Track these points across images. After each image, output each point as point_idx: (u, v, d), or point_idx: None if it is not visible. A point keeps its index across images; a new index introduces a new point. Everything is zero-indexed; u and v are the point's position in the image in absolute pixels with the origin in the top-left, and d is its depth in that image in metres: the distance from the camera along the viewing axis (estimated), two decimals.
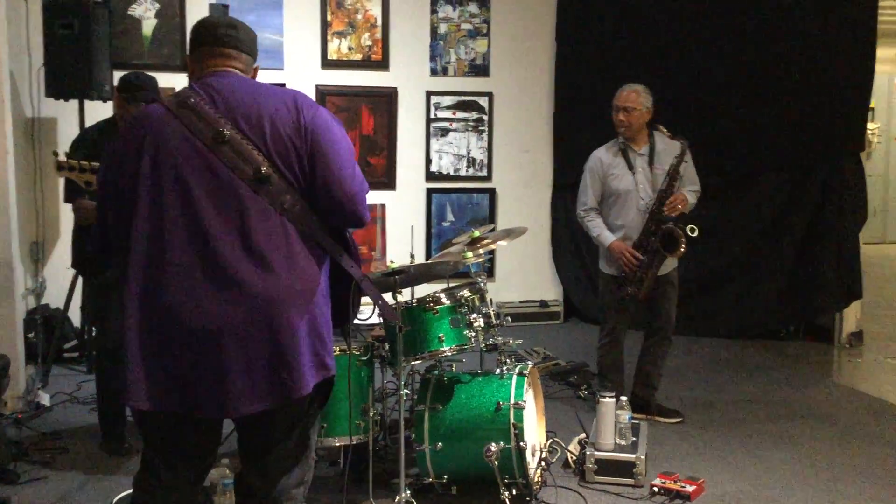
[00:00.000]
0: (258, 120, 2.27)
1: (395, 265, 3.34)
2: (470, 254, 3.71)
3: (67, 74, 5.26)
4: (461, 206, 7.03)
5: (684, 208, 4.43)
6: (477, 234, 3.94)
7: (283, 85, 6.50)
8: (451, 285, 4.16)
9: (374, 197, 6.82)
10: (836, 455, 4.16)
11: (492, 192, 7.08)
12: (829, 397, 5.15)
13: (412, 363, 3.55)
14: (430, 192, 6.97)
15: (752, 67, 6.43)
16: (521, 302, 7.08)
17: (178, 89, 2.44)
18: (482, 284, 3.76)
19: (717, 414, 4.79)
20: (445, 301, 3.53)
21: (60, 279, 5.77)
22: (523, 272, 7.20)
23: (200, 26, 2.45)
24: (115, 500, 3.49)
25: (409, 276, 3.44)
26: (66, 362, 5.66)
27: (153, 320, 2.21)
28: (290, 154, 2.28)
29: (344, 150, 2.38)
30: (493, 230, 4.13)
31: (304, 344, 2.25)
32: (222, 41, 2.40)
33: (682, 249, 4.36)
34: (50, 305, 5.97)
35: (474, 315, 3.60)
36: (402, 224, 6.78)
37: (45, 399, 4.82)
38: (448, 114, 6.94)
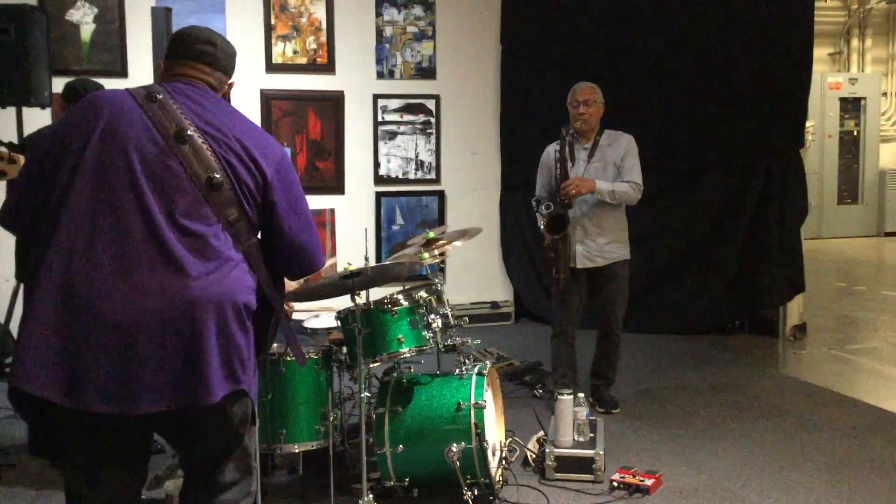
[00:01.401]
0: (222, 132, 2.25)
1: (351, 267, 3.32)
2: (427, 255, 3.70)
3: (4, 81, 5.09)
4: (410, 209, 7.02)
5: (580, 192, 4.50)
6: (432, 235, 3.93)
7: None
8: (407, 287, 4.15)
9: (323, 201, 6.78)
10: (787, 444, 4.25)
11: (441, 195, 7.09)
12: (776, 388, 5.26)
13: (371, 365, 3.53)
14: (378, 195, 6.94)
15: (694, 66, 6.55)
16: (472, 304, 7.10)
17: None
18: (439, 285, 3.76)
19: (670, 408, 4.85)
20: (403, 302, 3.51)
21: (1, 292, 5.61)
22: (474, 274, 7.21)
23: (178, 38, 2.43)
24: None
25: (367, 278, 3.41)
26: (8, 377, 5.49)
27: (68, 305, 2.10)
28: (246, 177, 2.26)
29: (304, 199, 2.44)
30: (445, 231, 4.13)
31: (216, 353, 2.18)
32: (198, 57, 2.38)
33: (554, 233, 4.52)
34: None
35: (432, 316, 3.60)
36: (351, 228, 6.75)
37: None
38: (395, 117, 6.93)
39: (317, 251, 2.47)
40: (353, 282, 3.32)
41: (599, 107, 4.66)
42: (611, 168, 4.62)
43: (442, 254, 3.89)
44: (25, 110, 5.20)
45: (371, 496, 3.33)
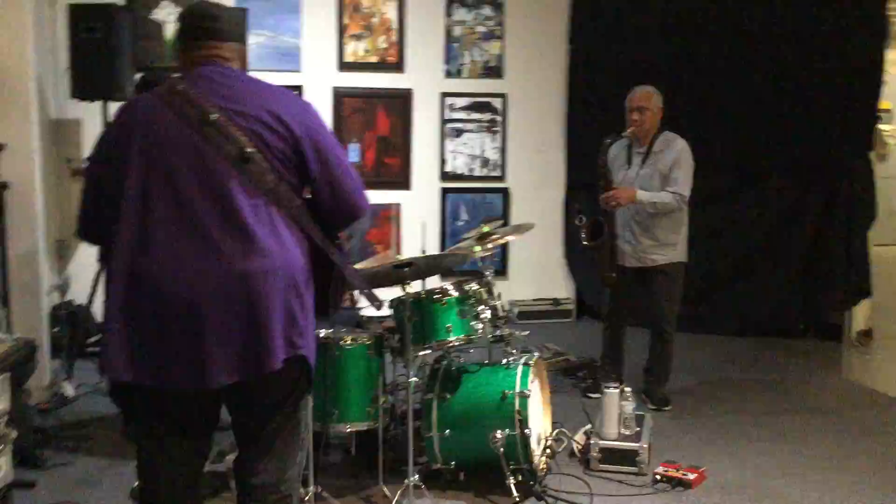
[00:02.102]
0: (243, 105, 2.35)
1: (403, 257, 3.47)
2: (478, 248, 3.83)
3: (91, 77, 5.40)
4: (475, 206, 7.15)
5: (619, 204, 4.62)
6: (486, 229, 4.05)
7: (301, 87, 6.67)
8: (459, 279, 4.28)
9: (389, 196, 6.97)
10: (837, 447, 4.25)
11: (505, 192, 7.20)
12: (835, 392, 5.22)
13: (421, 353, 3.67)
14: (444, 191, 7.10)
15: (763, 68, 6.51)
16: (533, 300, 7.19)
17: None
18: (490, 278, 3.88)
19: (721, 407, 4.88)
20: (453, 293, 3.65)
21: (84, 275, 5.92)
22: (536, 271, 7.31)
23: (183, 18, 2.51)
24: (135, 484, 3.63)
25: (419, 268, 3.56)
26: (90, 356, 5.82)
27: (137, 293, 2.27)
28: (276, 141, 2.35)
29: (337, 142, 2.52)
30: (502, 225, 4.25)
31: (276, 321, 2.31)
32: (206, 34, 2.45)
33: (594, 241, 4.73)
34: (74, 301, 6.13)
35: (482, 307, 3.73)
36: (417, 223, 6.91)
37: (69, 390, 4.99)
38: (462, 115, 7.07)
39: (357, 197, 2.52)
40: (404, 271, 3.47)
41: (655, 112, 4.73)
42: (657, 176, 4.68)
43: (496, 248, 4.02)
44: (110, 104, 5.52)
45: (417, 477, 3.49)
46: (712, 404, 4.93)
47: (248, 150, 2.31)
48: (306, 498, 3.30)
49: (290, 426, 2.53)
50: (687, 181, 4.68)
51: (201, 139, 2.31)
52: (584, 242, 4.75)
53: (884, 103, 6.58)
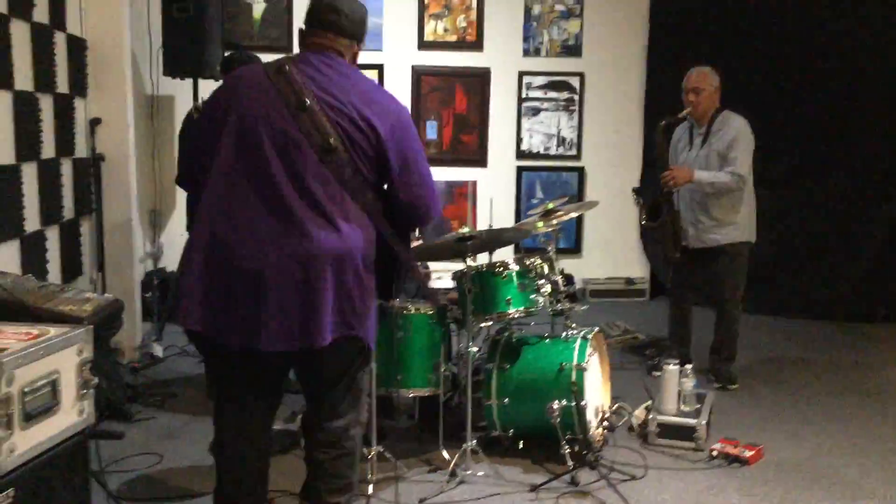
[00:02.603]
0: (338, 100, 2.51)
1: (467, 230, 3.60)
2: (541, 223, 3.93)
3: (183, 55, 5.66)
4: (550, 184, 7.22)
5: (678, 183, 4.65)
6: (551, 205, 4.14)
7: (382, 66, 6.85)
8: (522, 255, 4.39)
9: (465, 174, 7.10)
10: None
11: (580, 171, 7.24)
12: None
13: (482, 324, 3.80)
14: (520, 169, 7.19)
15: (850, 47, 6.40)
16: (607, 278, 7.24)
17: None
18: (551, 254, 3.97)
19: (786, 387, 4.88)
20: (514, 266, 3.77)
21: (176, 244, 6.26)
22: (611, 250, 7.35)
23: (311, 8, 2.69)
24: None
25: (481, 241, 3.69)
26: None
27: (213, 257, 2.47)
28: (358, 137, 2.51)
29: (421, 149, 2.68)
30: (567, 202, 4.33)
31: (330, 302, 2.47)
32: (324, 24, 2.63)
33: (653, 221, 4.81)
34: (166, 269, 6.48)
35: (542, 281, 3.83)
36: (493, 200, 7.01)
37: (158, 351, 5.31)
38: (539, 93, 7.13)
39: (430, 205, 2.69)
40: (466, 244, 3.61)
41: (713, 92, 4.73)
42: (714, 156, 4.69)
43: (560, 224, 4.12)
44: (201, 82, 5.80)
45: (475, 442, 3.63)
46: (776, 385, 4.93)
47: (332, 141, 2.47)
48: (370, 456, 3.48)
49: (351, 392, 2.72)
50: (745, 160, 4.67)
51: (293, 121, 2.48)
52: (643, 223, 4.83)
53: None
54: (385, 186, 2.65)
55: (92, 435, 3.56)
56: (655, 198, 4.77)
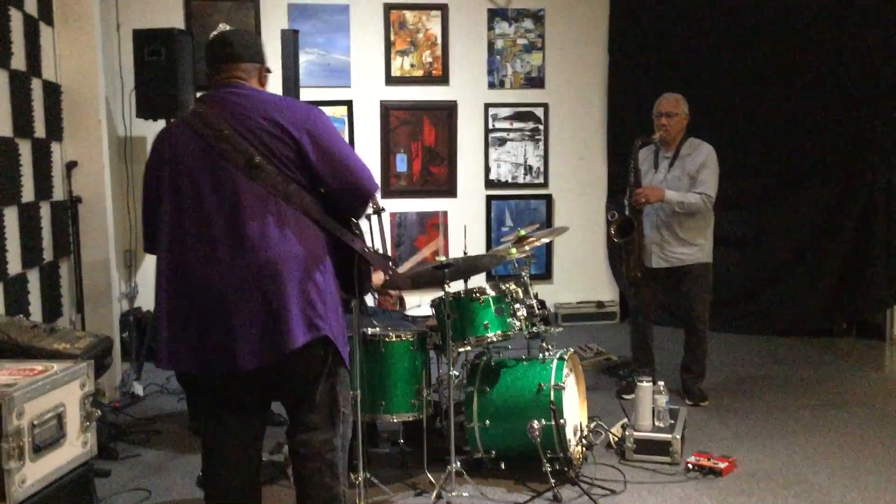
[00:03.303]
0: (252, 118, 2.68)
1: (443, 258, 3.72)
2: (514, 250, 4.07)
3: (156, 97, 5.74)
4: (519, 212, 7.39)
5: (649, 201, 4.84)
6: (523, 232, 4.29)
7: (351, 102, 6.99)
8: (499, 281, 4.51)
9: (436, 204, 7.25)
10: (868, 439, 4.38)
11: (548, 199, 7.42)
12: (872, 388, 5.33)
13: (461, 349, 3.92)
14: (489, 198, 7.35)
15: (801, 72, 6.66)
16: (578, 302, 7.39)
17: None
18: (526, 278, 4.11)
19: (757, 402, 5.03)
20: (490, 291, 3.89)
21: (150, 284, 6.28)
22: (580, 275, 7.51)
23: (206, 48, 2.89)
24: (201, 472, 3.93)
25: (457, 268, 3.81)
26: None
27: (177, 288, 2.64)
28: (281, 147, 2.67)
29: (340, 138, 2.81)
30: (538, 229, 4.47)
31: (293, 306, 2.61)
32: (222, 59, 2.81)
33: (623, 237, 4.96)
34: (141, 308, 6.52)
35: (517, 305, 3.96)
36: (463, 229, 7.17)
37: (139, 390, 5.35)
38: (505, 124, 7.32)
39: (363, 185, 2.80)
40: (444, 271, 3.73)
41: (682, 118, 4.94)
42: (685, 178, 4.88)
43: (533, 250, 4.26)
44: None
45: (459, 464, 3.73)
46: (749, 399, 5.08)
47: (256, 159, 2.64)
48: (357, 482, 3.56)
49: (328, 399, 2.82)
50: (714, 183, 4.87)
51: (216, 153, 2.66)
52: (615, 239, 5.00)
53: None
54: (319, 185, 2.77)
55: None
56: (626, 215, 4.93)
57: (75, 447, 2.33)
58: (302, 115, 2.75)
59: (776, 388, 5.32)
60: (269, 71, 2.92)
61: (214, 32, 2.93)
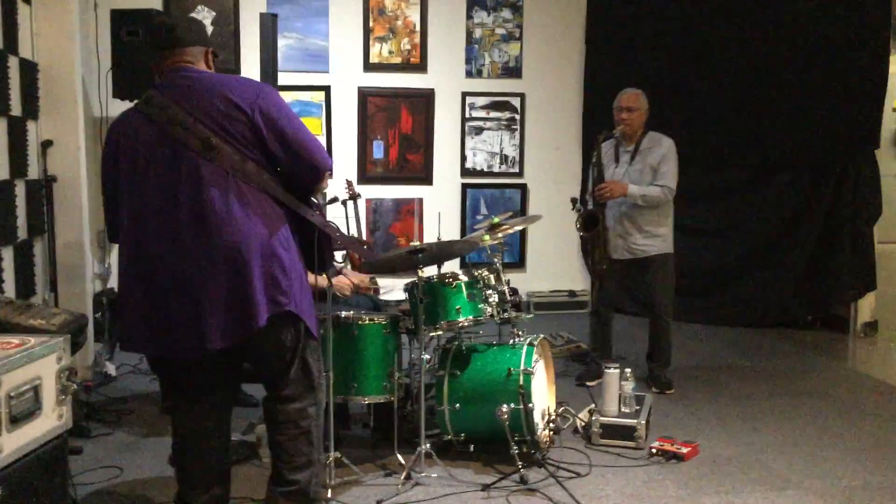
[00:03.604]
0: (205, 101, 2.71)
1: (417, 244, 3.78)
2: (487, 236, 4.13)
3: (132, 77, 5.74)
4: (494, 201, 7.46)
5: (613, 196, 4.94)
6: (497, 220, 4.36)
7: (329, 87, 7.02)
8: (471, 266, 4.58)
9: (412, 191, 7.30)
10: (829, 427, 4.50)
11: (523, 188, 7.50)
12: (836, 379, 5.46)
13: (433, 333, 3.98)
14: (464, 186, 7.42)
15: (771, 66, 6.78)
16: (550, 291, 7.49)
17: None
18: (498, 265, 4.18)
19: (723, 391, 5.15)
20: (463, 277, 3.96)
21: None
22: (553, 264, 7.60)
23: (150, 34, 2.95)
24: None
25: (431, 254, 3.87)
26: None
27: (142, 273, 2.68)
28: (235, 125, 2.71)
29: (292, 115, 2.84)
30: (511, 216, 4.54)
31: (259, 284, 2.66)
32: (168, 43, 2.84)
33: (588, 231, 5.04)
34: (114, 289, 6.51)
35: (490, 291, 4.03)
36: (438, 217, 7.23)
37: (111, 370, 5.37)
38: (482, 113, 7.38)
39: (313, 153, 2.83)
40: (418, 257, 3.79)
41: (642, 112, 5.06)
42: (647, 171, 4.99)
43: (505, 237, 4.33)
44: None
45: (429, 446, 3.80)
46: (714, 388, 5.20)
47: (212, 140, 2.68)
48: (328, 462, 3.61)
49: (303, 374, 2.90)
50: (674, 176, 5.00)
51: (172, 138, 2.70)
52: (580, 233, 5.11)
53: None
54: (273, 162, 2.81)
55: None
56: (590, 209, 5.02)
57: (51, 419, 2.37)
58: (252, 92, 2.76)
59: (741, 378, 5.44)
60: (216, 55, 2.95)
61: (156, 20, 2.95)
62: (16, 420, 2.17)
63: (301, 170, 2.83)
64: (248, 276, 2.65)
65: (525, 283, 7.49)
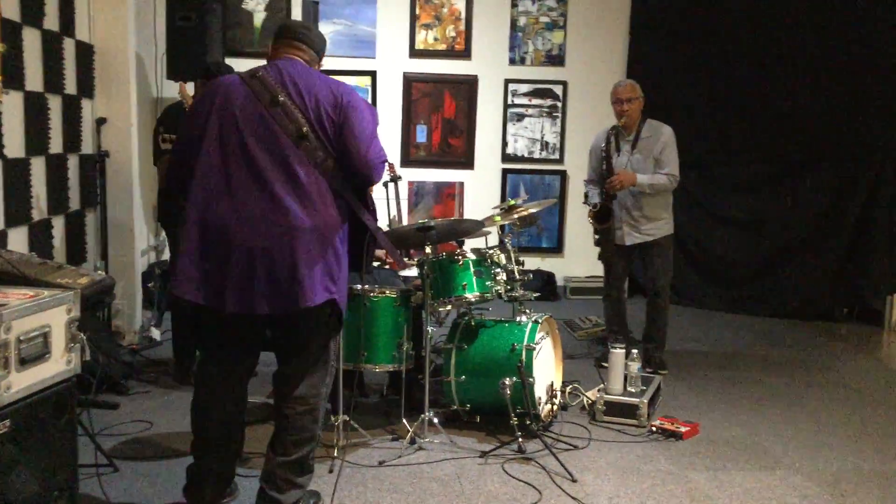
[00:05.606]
0: (307, 94, 2.93)
1: (425, 222, 3.98)
2: (499, 217, 4.30)
3: (186, 60, 6.07)
4: (534, 186, 7.60)
5: (624, 186, 5.06)
6: (512, 202, 4.53)
7: (375, 72, 7.25)
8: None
9: (453, 175, 7.50)
10: (837, 415, 4.56)
11: (563, 174, 7.63)
12: (858, 371, 5.48)
13: (440, 308, 4.17)
14: (505, 172, 7.58)
15: (815, 57, 6.75)
16: (586, 277, 7.59)
17: None
18: (509, 245, 4.34)
19: (739, 377, 5.23)
20: (471, 255, 4.14)
21: None
22: (590, 249, 7.64)
23: (284, 25, 3.18)
24: None
25: (439, 231, 4.07)
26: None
27: (208, 233, 2.85)
28: (325, 123, 2.93)
29: (367, 125, 3.03)
30: (527, 200, 4.70)
31: (317, 269, 2.87)
32: (297, 37, 3.10)
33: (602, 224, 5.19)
34: (167, 261, 6.87)
35: (498, 269, 4.20)
36: (479, 201, 7.41)
37: (156, 335, 5.72)
38: (524, 100, 7.53)
39: (371, 173, 3.04)
40: (428, 234, 3.99)
41: (640, 102, 5.18)
42: (650, 159, 5.10)
43: (521, 219, 4.49)
44: None
45: (432, 413, 4.01)
46: (730, 374, 5.28)
47: (304, 129, 2.89)
48: (336, 424, 3.84)
49: (321, 353, 3.11)
50: (676, 162, 5.13)
51: (270, 116, 2.90)
52: (595, 226, 5.24)
53: None
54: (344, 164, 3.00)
55: (91, 404, 3.98)
56: (602, 201, 5.17)
57: (59, 364, 2.63)
58: (347, 97, 2.98)
59: (764, 367, 5.50)
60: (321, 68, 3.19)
61: (293, 20, 3.20)
62: (24, 362, 2.44)
63: (360, 171, 3.02)
64: (308, 261, 2.85)
65: (563, 267, 7.63)
